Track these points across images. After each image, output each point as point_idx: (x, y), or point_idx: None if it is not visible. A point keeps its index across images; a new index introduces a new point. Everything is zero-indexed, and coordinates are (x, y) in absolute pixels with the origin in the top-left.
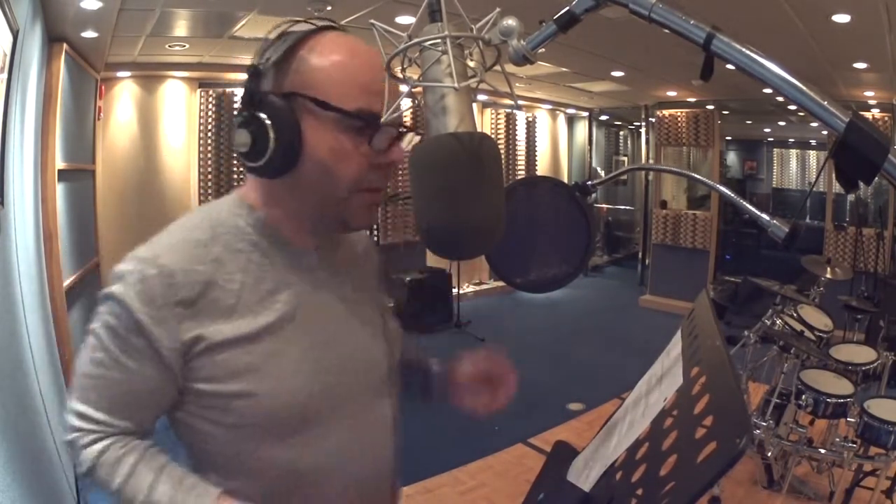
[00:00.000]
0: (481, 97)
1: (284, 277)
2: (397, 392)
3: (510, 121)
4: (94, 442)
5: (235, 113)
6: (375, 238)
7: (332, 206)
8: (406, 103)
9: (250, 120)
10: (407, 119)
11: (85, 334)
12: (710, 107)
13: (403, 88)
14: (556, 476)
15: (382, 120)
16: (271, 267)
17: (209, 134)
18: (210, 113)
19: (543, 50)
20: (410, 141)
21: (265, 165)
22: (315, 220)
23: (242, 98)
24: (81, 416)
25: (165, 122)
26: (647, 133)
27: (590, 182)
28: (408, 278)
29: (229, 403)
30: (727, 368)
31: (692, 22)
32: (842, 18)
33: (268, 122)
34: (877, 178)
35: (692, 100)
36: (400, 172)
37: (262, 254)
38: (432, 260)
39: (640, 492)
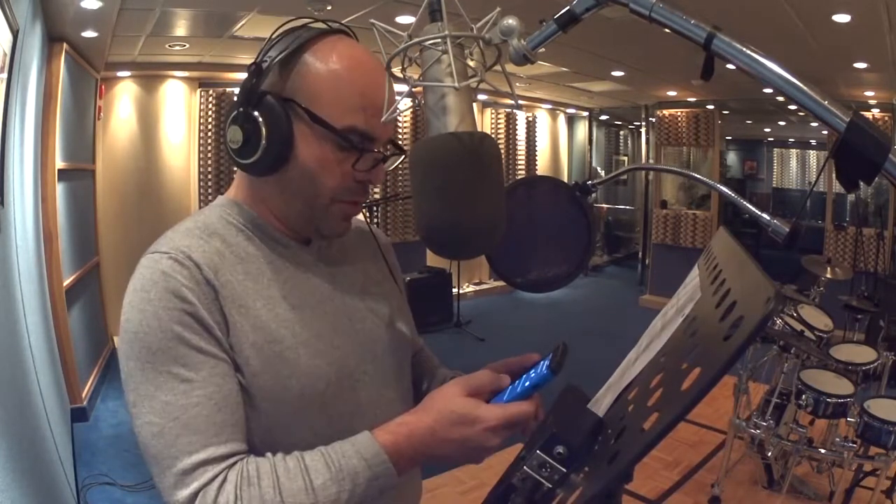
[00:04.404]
0: (481, 97)
1: (282, 269)
2: (408, 379)
3: (510, 120)
4: (220, 487)
5: (231, 108)
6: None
7: (311, 211)
8: (406, 103)
9: (245, 118)
10: (407, 119)
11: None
12: (710, 107)
13: (404, 88)
14: (567, 413)
15: (382, 119)
16: (268, 260)
17: (209, 134)
18: (210, 113)
19: (544, 49)
20: (394, 163)
21: (253, 164)
22: (297, 221)
23: (240, 94)
24: (187, 472)
25: (165, 122)
26: (647, 133)
27: (590, 182)
28: (408, 278)
29: (258, 395)
30: (743, 257)
31: (693, 22)
32: (842, 18)
33: (262, 123)
34: (877, 178)
35: (692, 100)
36: (400, 172)
37: (257, 247)
38: (432, 260)
39: (660, 377)
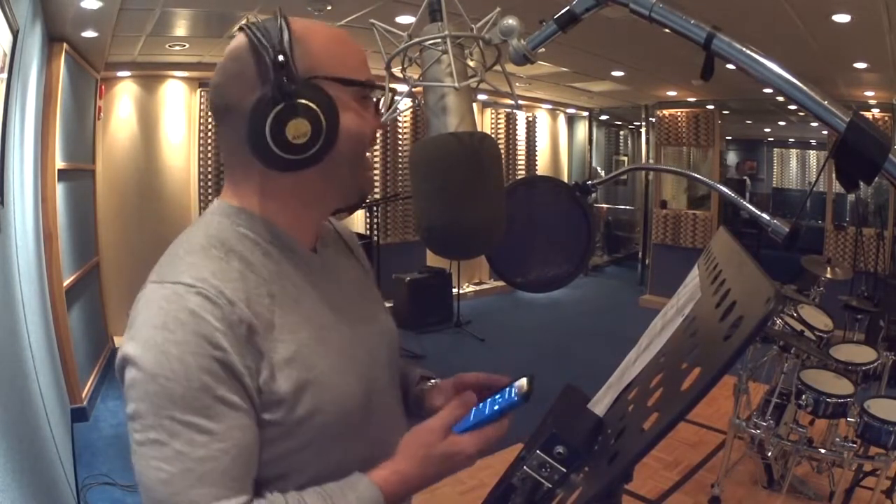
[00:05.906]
0: (481, 97)
1: (301, 283)
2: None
3: (510, 120)
4: None
5: (260, 109)
6: (375, 237)
7: (355, 174)
8: (406, 103)
9: (302, 109)
10: (407, 119)
11: (132, 422)
12: (710, 107)
13: (404, 88)
14: (567, 413)
15: (382, 119)
16: (286, 275)
17: (209, 134)
18: (210, 113)
19: (543, 49)
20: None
21: (318, 151)
22: (333, 203)
23: (273, 91)
24: None
25: (165, 122)
26: (647, 133)
27: (590, 182)
28: (408, 278)
29: (295, 424)
30: (743, 257)
31: (692, 22)
32: (842, 18)
33: (315, 108)
34: (877, 178)
35: (692, 99)
36: (400, 172)
37: (275, 262)
38: (432, 260)
39: (660, 377)
